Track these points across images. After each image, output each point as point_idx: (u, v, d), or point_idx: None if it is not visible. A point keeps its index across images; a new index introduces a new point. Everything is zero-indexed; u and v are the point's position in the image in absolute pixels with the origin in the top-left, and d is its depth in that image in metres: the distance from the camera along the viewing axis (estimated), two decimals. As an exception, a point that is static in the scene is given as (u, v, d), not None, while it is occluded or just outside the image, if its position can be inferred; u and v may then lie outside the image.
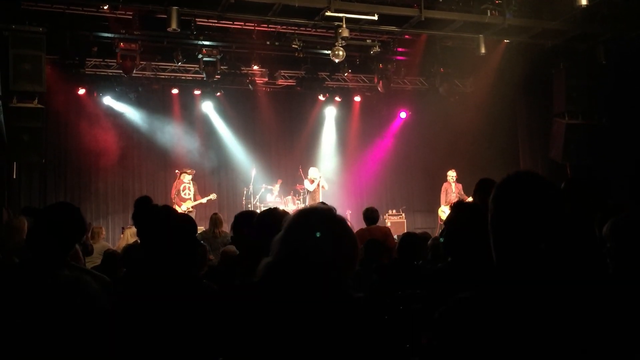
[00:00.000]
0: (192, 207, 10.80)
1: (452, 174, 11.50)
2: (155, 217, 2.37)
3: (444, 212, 11.22)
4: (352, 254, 1.75)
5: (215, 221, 8.02)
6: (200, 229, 10.11)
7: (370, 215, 6.89)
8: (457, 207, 2.78)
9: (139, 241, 2.52)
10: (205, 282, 2.43)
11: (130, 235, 8.59)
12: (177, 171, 11.21)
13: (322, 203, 6.20)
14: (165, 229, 2.34)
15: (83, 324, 1.60)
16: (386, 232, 7.06)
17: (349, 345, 1.61)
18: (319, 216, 1.76)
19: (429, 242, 5.11)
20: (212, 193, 11.22)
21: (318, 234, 1.68)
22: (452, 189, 11.40)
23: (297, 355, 1.58)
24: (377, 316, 1.73)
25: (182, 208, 10.52)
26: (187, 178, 10.96)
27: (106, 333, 1.68)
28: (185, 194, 10.88)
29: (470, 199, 10.52)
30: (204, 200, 10.99)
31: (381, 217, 9.53)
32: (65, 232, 2.45)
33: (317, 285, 1.65)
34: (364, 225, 7.00)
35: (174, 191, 10.91)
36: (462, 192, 11.33)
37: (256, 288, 1.74)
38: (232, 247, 4.40)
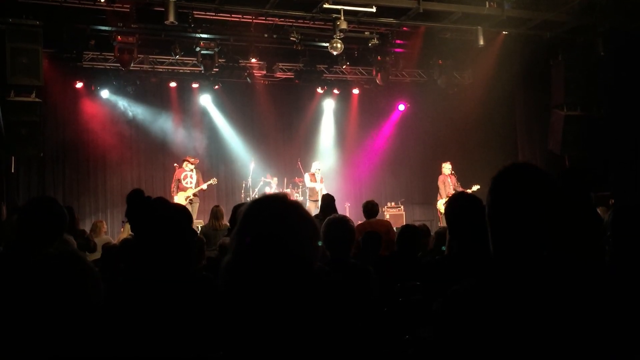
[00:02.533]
0: (192, 195, 10.68)
1: (448, 166, 11.50)
2: (148, 209, 2.34)
3: (444, 205, 11.18)
4: (310, 237, 1.67)
5: (215, 214, 7.91)
6: (200, 222, 10.13)
7: (371, 209, 6.84)
8: (459, 198, 2.79)
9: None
10: (204, 274, 2.43)
11: (130, 230, 8.59)
12: (175, 164, 11.16)
13: (327, 195, 6.11)
14: (157, 221, 2.32)
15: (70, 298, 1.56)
16: (388, 225, 7.05)
17: (320, 321, 1.58)
18: (271, 205, 1.69)
19: (439, 229, 5.16)
20: (212, 178, 11.11)
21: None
22: (449, 181, 11.40)
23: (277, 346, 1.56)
24: (336, 287, 1.69)
25: (179, 197, 10.45)
26: (189, 166, 10.82)
27: (98, 317, 1.64)
28: (186, 183, 10.74)
29: (471, 191, 10.57)
30: (204, 186, 10.85)
31: (380, 209, 9.55)
32: (44, 226, 2.61)
33: (282, 275, 1.58)
34: (362, 218, 7.00)
35: (174, 181, 10.78)
36: (456, 184, 11.32)
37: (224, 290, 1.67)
38: (228, 239, 4.39)
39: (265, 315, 1.55)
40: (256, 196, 11.95)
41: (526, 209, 1.42)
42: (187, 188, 10.70)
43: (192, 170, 10.84)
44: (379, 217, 7.49)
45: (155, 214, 2.34)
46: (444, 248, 2.69)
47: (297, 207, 1.70)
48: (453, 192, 11.07)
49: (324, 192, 10.06)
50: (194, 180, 10.80)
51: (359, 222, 7.27)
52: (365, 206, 6.90)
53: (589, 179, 2.94)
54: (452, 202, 2.81)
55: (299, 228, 1.66)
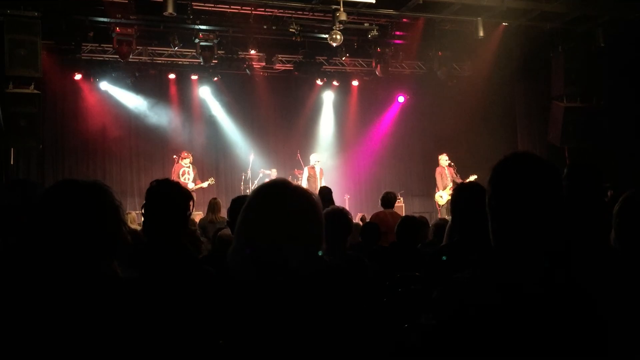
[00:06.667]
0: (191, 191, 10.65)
1: (445, 158, 11.48)
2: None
3: (441, 197, 11.22)
4: (316, 228, 1.64)
5: (213, 206, 7.93)
6: (199, 214, 10.13)
7: (385, 199, 7.28)
8: (463, 188, 2.79)
9: (138, 228, 2.52)
10: (205, 267, 2.45)
11: (129, 221, 8.60)
12: (174, 157, 11.14)
13: (324, 187, 6.14)
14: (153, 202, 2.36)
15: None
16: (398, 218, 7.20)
17: (328, 312, 1.58)
18: (277, 193, 1.64)
19: (437, 221, 5.18)
20: (210, 178, 11.09)
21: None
22: (446, 173, 11.39)
23: (280, 337, 1.56)
24: (350, 280, 1.69)
25: None
26: (186, 162, 10.78)
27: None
28: (184, 179, 10.68)
29: (468, 180, 10.55)
30: (204, 185, 10.86)
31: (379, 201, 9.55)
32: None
33: (286, 265, 1.57)
34: (361, 210, 7.07)
35: (174, 175, 10.64)
36: (455, 175, 11.32)
37: (229, 277, 1.68)
38: (227, 231, 4.39)
39: (273, 305, 1.56)
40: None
41: (527, 198, 1.42)
42: (185, 184, 10.59)
43: (188, 166, 10.82)
44: (377, 209, 7.55)
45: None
46: (444, 257, 2.68)
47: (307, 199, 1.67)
48: (451, 183, 11.09)
49: (322, 185, 10.06)
50: (191, 177, 10.78)
51: (359, 213, 7.31)
52: (384, 197, 7.34)
53: (599, 173, 2.91)
54: (458, 191, 2.80)
55: (312, 222, 1.64)
